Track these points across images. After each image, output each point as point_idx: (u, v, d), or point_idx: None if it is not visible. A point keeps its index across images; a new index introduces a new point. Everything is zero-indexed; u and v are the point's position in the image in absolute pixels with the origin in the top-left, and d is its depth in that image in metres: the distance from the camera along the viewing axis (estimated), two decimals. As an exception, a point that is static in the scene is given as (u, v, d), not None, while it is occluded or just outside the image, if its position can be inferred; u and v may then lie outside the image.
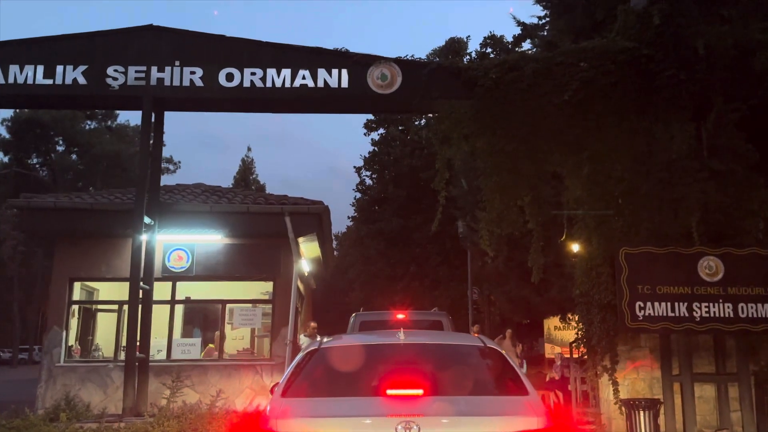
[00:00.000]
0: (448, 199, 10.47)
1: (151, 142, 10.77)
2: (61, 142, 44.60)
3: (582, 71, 9.12)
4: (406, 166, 30.15)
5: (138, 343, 10.00)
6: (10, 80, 9.88)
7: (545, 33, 14.43)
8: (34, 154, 44.53)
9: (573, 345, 12.44)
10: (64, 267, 12.48)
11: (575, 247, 10.42)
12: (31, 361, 39.44)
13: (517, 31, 16.39)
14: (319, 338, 4.89)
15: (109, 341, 12.69)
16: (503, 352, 4.55)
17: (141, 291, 10.00)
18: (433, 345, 4.79)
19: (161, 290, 11.88)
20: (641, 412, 8.08)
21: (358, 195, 34.00)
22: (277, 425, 3.64)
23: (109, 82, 9.97)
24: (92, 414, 10.47)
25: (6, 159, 43.29)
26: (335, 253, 28.08)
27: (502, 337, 14.32)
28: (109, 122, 46.54)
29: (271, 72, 9.97)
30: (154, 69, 10.01)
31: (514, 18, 15.37)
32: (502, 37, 26.62)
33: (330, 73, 9.93)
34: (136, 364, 9.93)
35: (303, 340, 11.97)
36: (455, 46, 30.25)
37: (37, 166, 44.92)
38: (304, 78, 9.94)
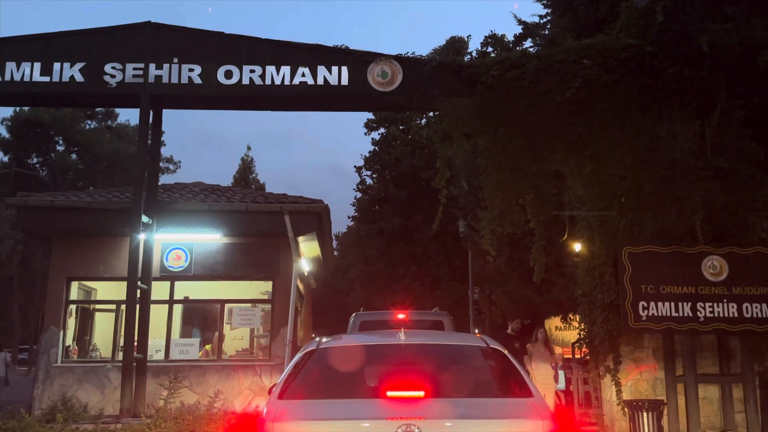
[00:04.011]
0: (448, 198, 10.39)
1: (149, 140, 10.68)
2: (60, 142, 44.49)
3: (584, 69, 9.03)
4: (406, 165, 30.06)
5: (136, 344, 9.94)
6: (7, 77, 9.80)
7: (546, 32, 14.34)
8: (34, 153, 44.43)
9: (575, 345, 12.35)
10: (62, 266, 12.40)
11: (577, 247, 10.35)
12: (32, 361, 39.34)
13: (518, 30, 16.27)
14: (317, 338, 4.79)
15: (107, 341, 12.61)
16: (506, 352, 4.45)
17: (139, 291, 9.92)
18: (435, 345, 4.70)
19: (159, 290, 11.81)
20: (644, 414, 8.00)
21: (359, 195, 33.92)
22: (274, 428, 3.55)
23: (106, 79, 9.89)
24: (89, 415, 10.42)
25: (6, 158, 43.23)
26: (335, 253, 28.01)
27: (533, 340, 11.07)
28: (109, 122, 46.45)
29: (271, 69, 9.89)
30: (152, 66, 9.93)
31: (515, 17, 15.28)
32: (503, 36, 26.50)
33: (330, 71, 9.85)
34: (134, 364, 9.86)
35: None
36: (456, 45, 30.16)
37: (37, 165, 44.83)
38: (303, 75, 9.86)
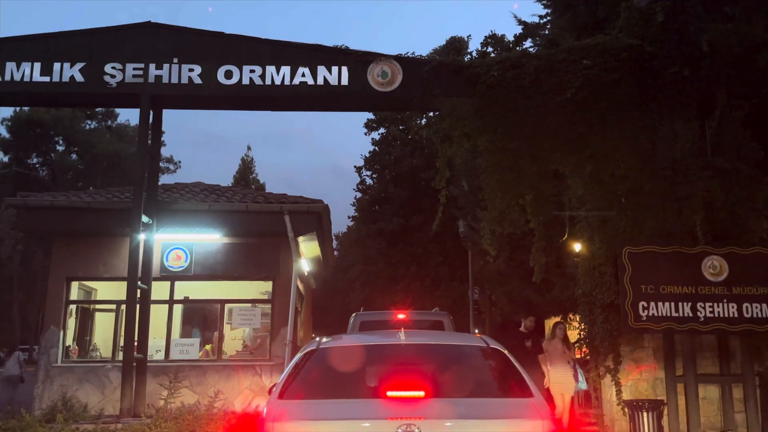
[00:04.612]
0: (448, 198, 10.40)
1: (149, 140, 10.68)
2: (60, 142, 44.52)
3: (585, 69, 9.04)
4: (406, 165, 30.08)
5: (136, 344, 9.94)
6: (7, 77, 9.80)
7: (546, 32, 14.35)
8: (34, 153, 44.47)
9: (575, 345, 12.34)
10: (62, 266, 12.38)
11: (577, 247, 10.34)
12: (32, 361, 39.32)
13: (519, 30, 16.30)
14: (317, 338, 4.79)
15: (107, 341, 12.60)
16: (506, 352, 4.44)
17: (139, 291, 9.92)
18: (435, 345, 4.70)
19: (159, 290, 11.80)
20: (644, 414, 8.01)
21: (359, 195, 33.92)
22: (274, 428, 3.55)
23: (106, 79, 9.89)
24: (89, 415, 10.41)
25: (6, 159, 43.24)
26: (335, 253, 28.01)
27: (550, 337, 10.49)
28: (109, 122, 46.48)
29: (271, 69, 9.89)
30: (152, 66, 9.93)
31: (515, 17, 15.31)
32: (503, 36, 26.52)
33: (330, 71, 9.85)
34: (134, 364, 9.86)
35: None
36: (456, 45, 30.16)
37: (37, 165, 44.85)
38: (303, 75, 9.86)
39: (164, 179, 37.77)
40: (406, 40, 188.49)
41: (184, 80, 9.91)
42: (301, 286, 14.71)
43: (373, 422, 3.58)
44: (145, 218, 10.26)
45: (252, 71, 9.90)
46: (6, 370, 16.83)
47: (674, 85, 8.86)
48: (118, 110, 44.64)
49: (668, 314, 8.30)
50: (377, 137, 32.72)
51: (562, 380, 9.86)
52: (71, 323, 12.58)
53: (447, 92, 9.67)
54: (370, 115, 32.30)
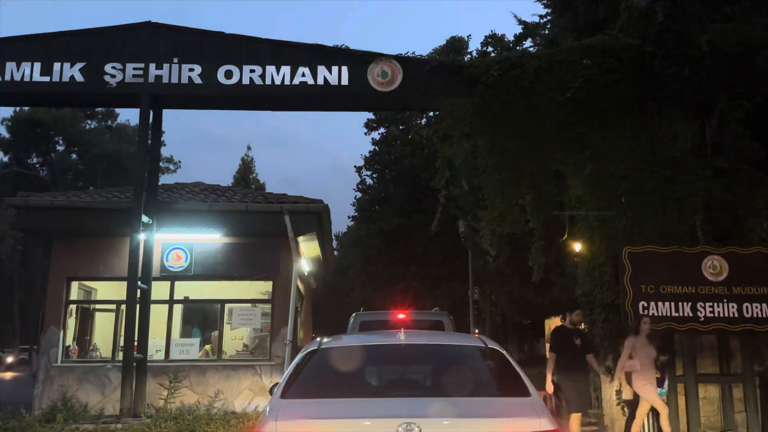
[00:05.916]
0: (448, 198, 10.41)
1: (149, 140, 10.68)
2: (61, 142, 44.51)
3: (585, 69, 9.06)
4: (406, 165, 30.12)
5: (136, 343, 9.93)
6: (7, 77, 9.81)
7: (546, 32, 14.37)
8: (34, 153, 44.46)
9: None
10: (62, 266, 12.38)
11: (577, 247, 10.35)
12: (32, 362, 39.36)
13: (519, 30, 16.34)
14: (318, 339, 4.81)
15: (107, 341, 12.60)
16: (504, 352, 4.45)
17: (139, 290, 9.92)
18: (434, 346, 4.71)
19: (159, 290, 11.79)
20: (644, 414, 8.00)
21: (359, 194, 33.97)
22: (276, 427, 3.56)
23: (106, 79, 9.89)
24: (89, 415, 10.40)
25: (6, 158, 43.24)
26: (335, 252, 28.01)
27: (633, 333, 8.07)
28: (109, 122, 46.45)
29: (271, 69, 9.90)
30: (152, 66, 9.93)
31: (516, 17, 15.33)
32: (503, 36, 26.54)
33: (330, 71, 9.85)
34: (134, 364, 9.86)
35: None
36: (456, 45, 30.21)
37: (37, 165, 44.85)
38: (303, 75, 9.86)
39: (164, 179, 37.78)
40: (407, 40, 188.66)
41: (184, 80, 9.91)
42: (301, 286, 14.72)
43: (374, 421, 3.59)
44: (145, 218, 10.26)
45: (252, 71, 9.90)
46: (34, 368, 17.50)
47: (674, 85, 8.86)
48: (118, 110, 44.63)
49: (668, 314, 8.31)
50: (377, 137, 32.79)
51: (647, 381, 7.93)
52: (71, 323, 12.57)
53: (447, 92, 9.68)
54: (370, 115, 32.37)
